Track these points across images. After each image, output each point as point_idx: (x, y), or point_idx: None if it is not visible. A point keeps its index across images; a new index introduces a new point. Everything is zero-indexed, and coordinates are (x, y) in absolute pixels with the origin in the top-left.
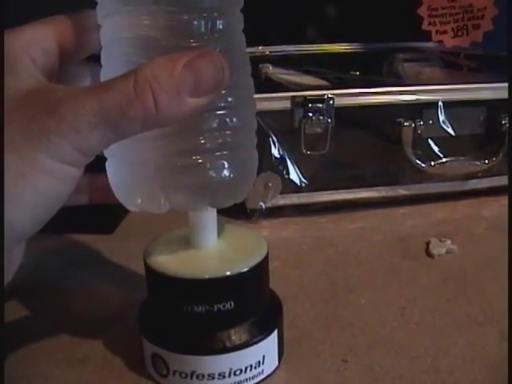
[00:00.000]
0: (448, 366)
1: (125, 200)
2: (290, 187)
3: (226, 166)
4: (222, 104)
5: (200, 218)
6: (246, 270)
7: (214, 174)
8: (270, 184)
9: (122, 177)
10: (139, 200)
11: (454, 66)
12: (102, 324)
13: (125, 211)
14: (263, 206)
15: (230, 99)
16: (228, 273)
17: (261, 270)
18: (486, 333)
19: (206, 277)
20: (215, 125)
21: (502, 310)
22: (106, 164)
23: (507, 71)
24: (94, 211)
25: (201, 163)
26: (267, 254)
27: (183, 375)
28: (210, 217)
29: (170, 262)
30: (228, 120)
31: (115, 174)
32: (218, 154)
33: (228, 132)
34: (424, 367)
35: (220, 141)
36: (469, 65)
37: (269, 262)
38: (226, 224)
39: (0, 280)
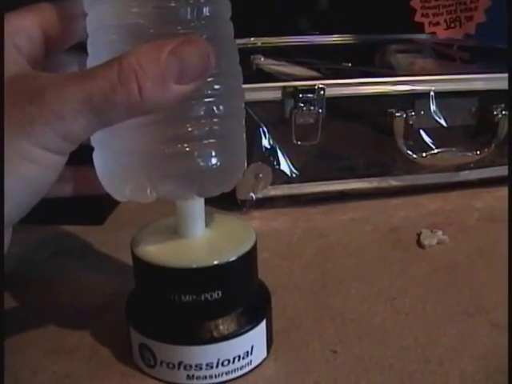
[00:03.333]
0: (438, 356)
1: (112, 190)
2: (280, 178)
3: (214, 154)
4: (209, 92)
5: (188, 207)
6: (233, 259)
7: (201, 163)
8: (261, 175)
9: (109, 166)
10: (127, 190)
11: (447, 58)
12: (90, 314)
13: (115, 202)
14: (254, 197)
15: (216, 87)
16: (215, 262)
17: (249, 259)
18: (475, 323)
19: (193, 266)
20: (202, 112)
21: (493, 300)
22: (93, 154)
23: (507, 68)
24: (84, 202)
25: (188, 151)
26: (255, 243)
27: (170, 365)
28: (197, 206)
29: (157, 251)
30: (215, 108)
31: (102, 163)
32: (205, 141)
33: (215, 120)
34: (413, 357)
35: (207, 129)
36: (462, 56)
37: (259, 252)
38: (214, 214)
39: (0, 278)
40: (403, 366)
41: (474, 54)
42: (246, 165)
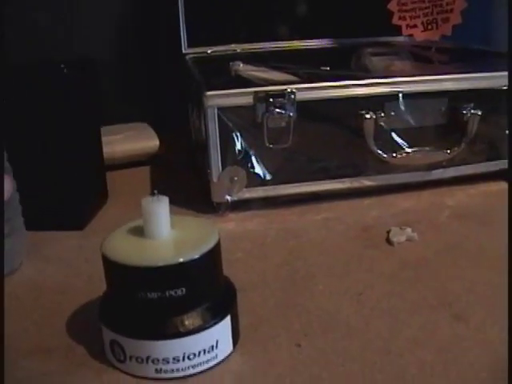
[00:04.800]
0: (399, 348)
1: None
2: (255, 181)
3: None
4: None
5: (152, 209)
6: (196, 257)
7: None
8: (236, 178)
9: None
10: None
11: (424, 59)
12: (67, 316)
13: (96, 207)
14: (229, 200)
15: None
16: (180, 260)
17: (212, 256)
18: (438, 316)
19: (158, 264)
20: None
21: (456, 294)
22: None
23: (508, 71)
24: (65, 208)
25: None
26: (218, 241)
27: (139, 360)
28: (162, 208)
29: (124, 251)
30: None
31: None
32: None
33: None
34: (375, 349)
35: None
36: (438, 57)
37: (233, 253)
38: (179, 215)
39: (0, 279)
40: (365, 358)
41: (451, 55)
42: None
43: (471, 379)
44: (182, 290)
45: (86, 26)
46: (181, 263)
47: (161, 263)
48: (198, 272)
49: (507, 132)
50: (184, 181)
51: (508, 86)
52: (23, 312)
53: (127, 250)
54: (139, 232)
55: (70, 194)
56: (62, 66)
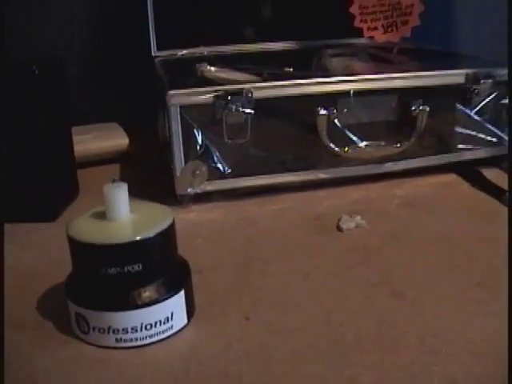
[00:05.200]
0: (339, 319)
1: None
2: (215, 174)
3: None
4: None
5: (113, 193)
6: (151, 235)
7: None
8: (197, 172)
9: None
10: None
11: (382, 60)
12: (37, 296)
13: (69, 199)
14: (191, 192)
15: None
16: (137, 238)
17: (166, 236)
18: (378, 292)
19: (116, 242)
20: None
21: (398, 274)
22: None
23: (508, 75)
24: (35, 200)
25: None
26: (172, 223)
27: (101, 330)
28: (121, 192)
29: (86, 231)
30: None
31: None
32: None
33: None
34: (318, 321)
35: None
36: (399, 59)
37: (192, 239)
38: (138, 201)
39: (0, 280)
40: (307, 328)
41: (409, 56)
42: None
43: (402, 344)
44: (138, 266)
45: (57, 26)
46: (137, 241)
47: (119, 241)
48: (153, 250)
49: (507, 130)
50: (151, 177)
51: (508, 85)
52: None
53: (90, 230)
54: (101, 216)
55: (42, 188)
56: (34, 67)
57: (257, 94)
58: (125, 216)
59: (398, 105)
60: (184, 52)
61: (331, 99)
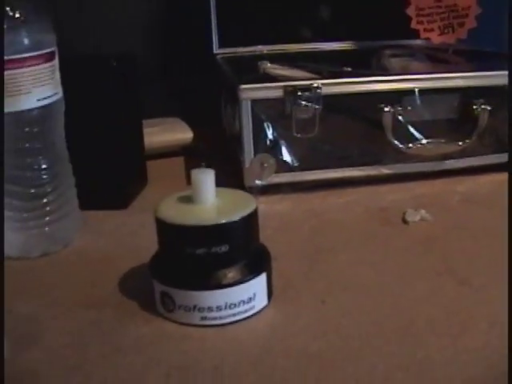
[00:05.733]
0: (408, 304)
1: None
2: (283, 167)
3: None
4: None
5: (201, 178)
6: (237, 219)
7: None
8: (266, 164)
9: None
10: None
11: (440, 61)
12: (117, 277)
13: (139, 188)
14: (260, 184)
15: None
16: (223, 221)
17: (250, 220)
18: (444, 280)
19: (205, 224)
20: None
21: (462, 264)
22: None
23: (508, 70)
24: (108, 189)
25: None
26: (256, 209)
27: (187, 309)
28: (209, 177)
29: (175, 214)
30: None
31: None
32: None
33: None
34: (387, 305)
35: None
36: (456, 60)
37: (263, 229)
38: (223, 188)
39: (0, 279)
40: (378, 312)
41: (465, 57)
42: None
43: (471, 328)
44: (225, 247)
45: (120, 25)
46: (224, 223)
47: (208, 223)
48: (238, 232)
49: (508, 129)
50: (217, 169)
51: (508, 85)
52: (76, 274)
53: (178, 213)
54: (187, 199)
55: (115, 177)
56: (112, 60)
57: (325, 90)
58: (211, 200)
59: (460, 103)
60: (243, 50)
61: (396, 97)
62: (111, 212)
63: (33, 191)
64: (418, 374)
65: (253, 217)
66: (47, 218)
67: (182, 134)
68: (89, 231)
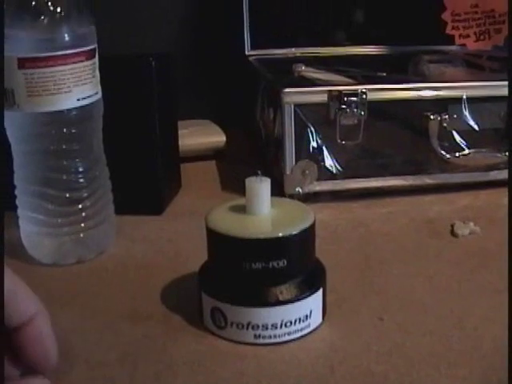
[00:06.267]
0: (473, 324)
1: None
2: (325, 174)
3: None
4: None
5: (256, 187)
6: (295, 232)
7: None
8: (307, 171)
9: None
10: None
11: (477, 67)
12: (159, 287)
13: (173, 193)
14: (301, 192)
15: None
16: (280, 234)
17: (308, 234)
18: (505, 298)
19: (262, 237)
20: None
21: None
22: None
23: (508, 73)
24: (143, 193)
25: None
26: (314, 222)
27: (240, 326)
28: (265, 187)
29: (230, 225)
30: None
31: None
32: None
33: None
34: (451, 325)
35: None
36: (490, 66)
37: None
38: (277, 197)
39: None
40: (442, 332)
41: (503, 64)
42: None
43: None
44: (283, 262)
45: (152, 25)
46: (283, 237)
47: (265, 236)
48: (297, 246)
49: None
50: (252, 175)
51: (508, 86)
52: (114, 284)
53: (231, 224)
54: (240, 209)
55: (150, 181)
56: (151, 59)
57: (370, 96)
58: (266, 211)
59: (507, 113)
60: (275, 52)
61: (442, 104)
62: (146, 217)
63: (68, 195)
64: None
65: (311, 230)
66: (82, 225)
67: (214, 137)
68: (124, 237)
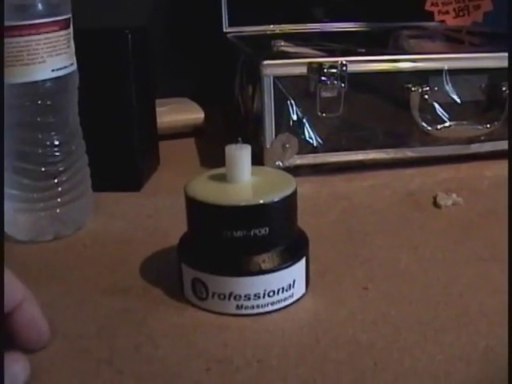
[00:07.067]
0: (458, 291)
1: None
2: (306, 148)
3: None
4: None
5: (237, 154)
6: (277, 199)
7: None
8: (287, 145)
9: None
10: None
11: (457, 41)
12: (138, 261)
13: (152, 169)
14: (281, 165)
15: None
16: (261, 201)
17: (290, 201)
18: (490, 266)
19: (243, 204)
20: None
21: (505, 249)
22: None
23: (507, 71)
24: (121, 169)
25: None
26: (295, 189)
27: (221, 296)
28: (245, 154)
29: (209, 192)
30: None
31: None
32: None
33: None
34: (437, 292)
35: None
36: (470, 40)
37: None
38: (258, 166)
39: (0, 278)
40: (428, 299)
41: (482, 39)
42: None
43: None
44: (265, 230)
45: (127, 2)
46: (265, 204)
47: (246, 203)
48: (279, 214)
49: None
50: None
51: (508, 85)
52: (93, 259)
53: (212, 192)
54: (221, 177)
55: (128, 157)
56: (127, 31)
57: (351, 68)
58: (247, 179)
59: (488, 85)
60: (254, 29)
61: (423, 76)
62: (124, 194)
63: (44, 169)
64: (482, 365)
65: (293, 197)
66: (59, 199)
67: (192, 114)
68: (102, 214)
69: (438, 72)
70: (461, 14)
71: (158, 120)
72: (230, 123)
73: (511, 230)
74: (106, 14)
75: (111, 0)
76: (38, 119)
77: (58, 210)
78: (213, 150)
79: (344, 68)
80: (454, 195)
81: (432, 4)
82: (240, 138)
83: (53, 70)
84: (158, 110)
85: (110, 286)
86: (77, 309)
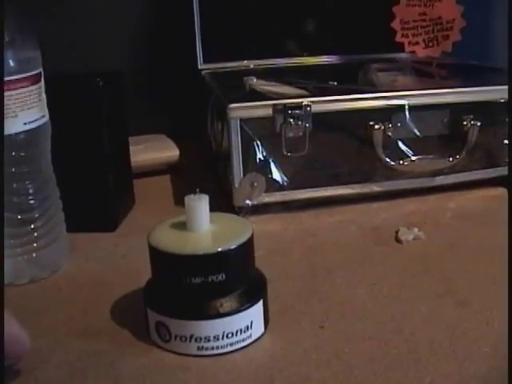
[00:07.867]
0: (410, 328)
1: None
2: (273, 186)
3: None
4: None
5: (195, 205)
6: (234, 246)
7: None
8: (255, 184)
9: None
10: None
11: (426, 75)
12: (109, 304)
13: (127, 209)
14: (250, 204)
15: None
16: (219, 249)
17: (247, 247)
18: (444, 302)
19: (201, 253)
20: None
21: (460, 284)
22: None
23: (508, 77)
24: (96, 211)
25: None
26: (252, 235)
27: (183, 339)
28: (203, 204)
29: (170, 242)
30: None
31: None
32: None
33: None
34: (390, 329)
35: None
36: (439, 73)
37: (256, 250)
38: (217, 212)
39: (0, 279)
40: (381, 337)
41: (451, 71)
42: None
43: (476, 353)
44: (221, 276)
45: (104, 40)
46: (221, 252)
47: (204, 252)
48: (235, 260)
49: (507, 140)
50: (205, 188)
51: (508, 89)
52: (67, 301)
53: (172, 241)
54: (181, 226)
55: (103, 199)
56: (98, 79)
57: (315, 108)
58: (205, 227)
59: (450, 119)
60: (228, 65)
61: (386, 113)
62: (100, 234)
63: (20, 217)
64: None
65: (249, 243)
66: (35, 244)
67: (168, 151)
68: (77, 255)
69: (401, 108)
70: (430, 44)
71: (133, 159)
72: (205, 160)
73: (511, 240)
74: (82, 56)
75: (86, 42)
76: (13, 169)
77: (34, 255)
78: (187, 188)
79: (308, 108)
80: (416, 229)
81: (402, 35)
82: (198, 189)
83: (25, 124)
84: (133, 148)
85: (81, 329)
86: (49, 352)
